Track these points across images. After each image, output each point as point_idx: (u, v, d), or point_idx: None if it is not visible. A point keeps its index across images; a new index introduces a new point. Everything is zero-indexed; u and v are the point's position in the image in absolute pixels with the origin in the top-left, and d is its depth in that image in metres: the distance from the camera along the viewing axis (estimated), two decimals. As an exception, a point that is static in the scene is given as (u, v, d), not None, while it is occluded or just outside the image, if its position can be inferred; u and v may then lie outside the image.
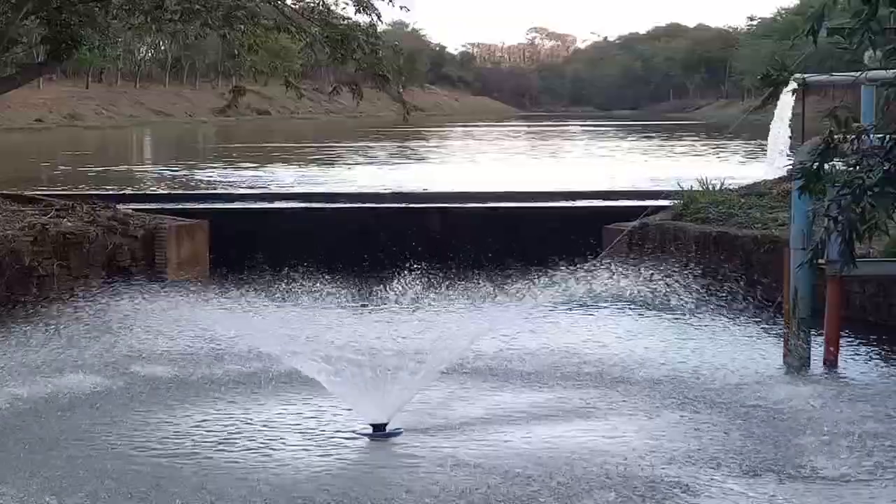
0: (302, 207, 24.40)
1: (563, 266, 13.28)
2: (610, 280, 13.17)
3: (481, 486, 9.62)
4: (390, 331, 14.53)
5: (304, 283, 15.88)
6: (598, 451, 10.66)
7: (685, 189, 22.04)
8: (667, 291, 13.66)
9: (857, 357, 14.81)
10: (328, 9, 22.93)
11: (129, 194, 28.09)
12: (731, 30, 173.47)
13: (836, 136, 7.22)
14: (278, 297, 15.53)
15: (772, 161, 35.83)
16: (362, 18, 22.83)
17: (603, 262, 14.16)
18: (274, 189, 31.81)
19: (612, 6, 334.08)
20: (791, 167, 8.73)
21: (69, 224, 19.83)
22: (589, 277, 13.07)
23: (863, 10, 6.82)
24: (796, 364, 13.97)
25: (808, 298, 14.03)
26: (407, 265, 15.36)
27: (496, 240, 21.75)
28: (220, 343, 14.72)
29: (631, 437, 11.21)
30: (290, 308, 15.29)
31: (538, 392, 13.04)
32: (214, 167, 43.83)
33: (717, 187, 21.89)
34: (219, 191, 31.01)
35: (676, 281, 13.64)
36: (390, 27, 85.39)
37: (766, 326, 16.11)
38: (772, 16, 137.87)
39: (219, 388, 13.13)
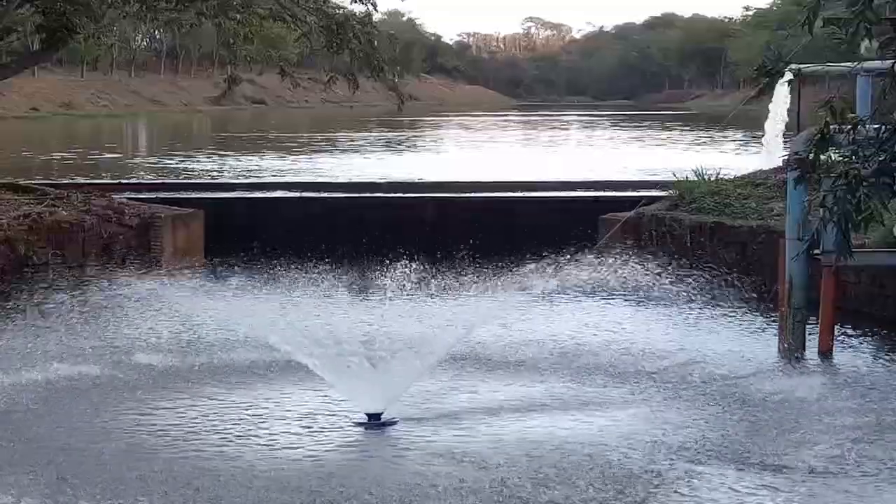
0: (297, 197, 24.39)
1: (558, 256, 13.28)
2: (606, 270, 13.18)
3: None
4: (384, 320, 14.52)
5: (299, 271, 15.86)
6: (591, 441, 10.67)
7: (681, 179, 22.03)
8: (662, 281, 13.67)
9: (851, 347, 14.83)
10: (324, -2, 22.92)
11: (125, 183, 28.03)
12: (726, 20, 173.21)
13: (831, 127, 7.21)
14: (273, 286, 15.51)
15: (767, 151, 35.82)
16: (357, 8, 22.87)
17: (599, 251, 14.17)
18: (269, 178, 31.79)
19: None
20: (787, 157, 8.73)
21: (64, 213, 19.80)
22: (585, 267, 13.08)
23: (858, 0, 6.81)
24: (791, 354, 13.98)
25: (803, 289, 14.04)
26: (401, 255, 15.35)
27: (491, 230, 21.74)
28: (210, 332, 14.77)
29: (622, 427, 11.22)
30: (284, 296, 15.27)
31: (532, 383, 13.05)
32: (208, 157, 43.76)
33: (713, 177, 21.88)
34: (214, 180, 31.01)
35: (671, 271, 13.65)
36: (386, 16, 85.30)
37: (762, 317, 16.12)
38: (767, 6, 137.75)
39: (214, 376, 13.14)
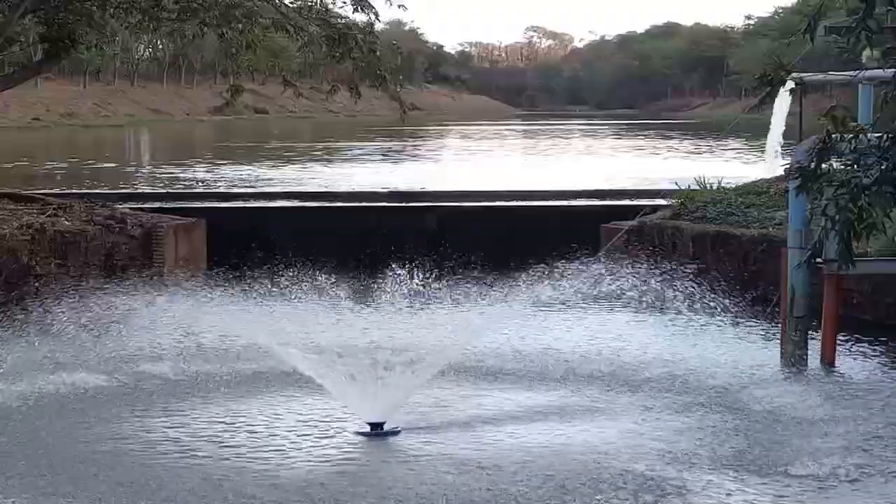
0: (299, 206, 24.40)
1: (560, 265, 13.28)
2: (608, 279, 13.18)
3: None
4: (387, 329, 14.52)
5: (301, 281, 15.87)
6: (595, 450, 10.66)
7: (683, 188, 22.04)
8: (664, 290, 13.67)
9: (854, 356, 14.82)
10: (326, 7, 22.93)
11: (127, 193, 28.09)
12: (728, 29, 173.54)
13: (833, 136, 7.21)
14: (275, 295, 15.52)
15: (769, 160, 35.84)
16: (360, 17, 22.85)
17: (601, 260, 14.18)
18: (271, 188, 31.81)
19: (610, 5, 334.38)
20: (788, 166, 8.74)
21: (67, 223, 19.82)
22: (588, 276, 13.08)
23: (860, 9, 6.82)
24: (794, 363, 13.97)
25: (805, 297, 14.03)
26: (403, 264, 15.35)
27: (493, 239, 21.74)
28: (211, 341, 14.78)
29: (626, 436, 11.21)
30: (286, 306, 15.28)
31: (534, 392, 13.04)
32: (211, 166, 43.78)
33: (715, 186, 21.89)
34: (216, 190, 31.04)
35: (673, 279, 13.64)
36: (388, 26, 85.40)
37: (765, 325, 16.11)
38: (769, 14, 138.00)
39: (215, 386, 13.14)
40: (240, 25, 21.86)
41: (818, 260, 13.54)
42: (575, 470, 10.03)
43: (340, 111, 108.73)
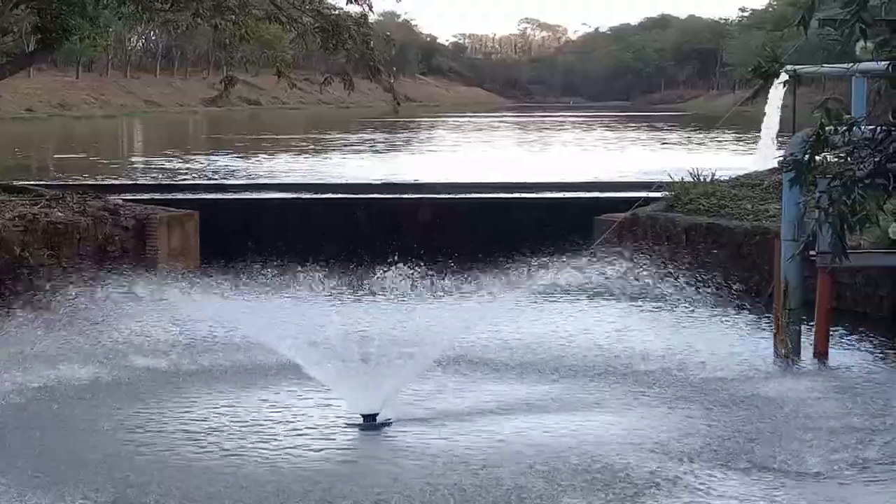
0: (293, 198, 24.37)
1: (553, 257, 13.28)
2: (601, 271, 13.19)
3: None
4: (378, 320, 14.53)
5: (293, 273, 15.86)
6: (588, 443, 10.66)
7: (676, 180, 22.03)
8: (656, 282, 13.68)
9: (847, 349, 14.83)
10: (319, -1, 22.90)
11: (120, 184, 28.03)
12: (722, 21, 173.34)
13: (827, 128, 7.20)
14: (268, 287, 15.51)
15: (763, 152, 35.87)
16: (353, 8, 22.82)
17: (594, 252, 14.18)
18: (264, 180, 31.78)
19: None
20: (782, 159, 8.74)
21: (59, 214, 19.78)
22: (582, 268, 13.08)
23: (854, 1, 6.80)
24: (787, 356, 13.98)
25: (798, 290, 14.04)
26: (396, 256, 15.35)
27: (487, 231, 21.73)
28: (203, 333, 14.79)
29: (620, 429, 11.21)
30: (277, 297, 15.27)
31: (530, 385, 13.04)
32: (205, 157, 43.73)
33: (709, 179, 21.89)
34: (209, 181, 30.99)
35: (666, 271, 13.64)
36: (381, 17, 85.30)
37: (757, 318, 16.12)
38: (763, 7, 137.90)
39: (205, 378, 13.13)
40: (233, 16, 21.82)
41: (811, 252, 13.55)
42: (573, 463, 10.04)
43: (334, 102, 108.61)
